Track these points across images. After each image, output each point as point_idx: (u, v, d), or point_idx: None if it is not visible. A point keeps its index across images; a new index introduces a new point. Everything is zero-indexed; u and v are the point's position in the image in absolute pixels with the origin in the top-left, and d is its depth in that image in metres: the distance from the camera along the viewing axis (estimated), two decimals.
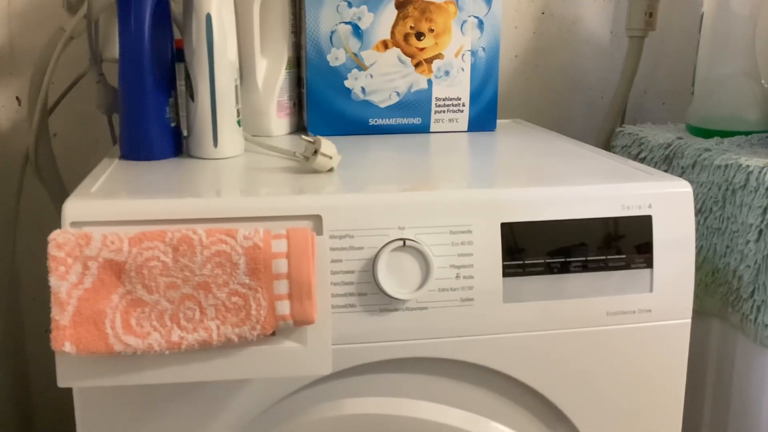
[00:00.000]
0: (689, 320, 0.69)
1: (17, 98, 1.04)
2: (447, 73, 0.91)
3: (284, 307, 0.57)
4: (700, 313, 0.86)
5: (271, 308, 0.57)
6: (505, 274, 0.65)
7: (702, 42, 0.95)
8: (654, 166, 0.93)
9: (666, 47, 1.23)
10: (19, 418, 1.08)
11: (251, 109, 0.89)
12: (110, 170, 0.72)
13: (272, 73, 0.89)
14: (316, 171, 0.71)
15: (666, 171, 0.90)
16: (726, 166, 0.81)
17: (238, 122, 0.78)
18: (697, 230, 0.86)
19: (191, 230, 0.57)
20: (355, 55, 0.89)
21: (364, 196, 0.63)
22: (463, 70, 0.92)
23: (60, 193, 0.98)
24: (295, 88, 0.93)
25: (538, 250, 0.65)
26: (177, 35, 0.80)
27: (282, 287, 0.57)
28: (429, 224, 0.63)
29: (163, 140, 0.76)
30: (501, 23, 0.92)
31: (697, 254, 0.86)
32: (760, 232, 0.76)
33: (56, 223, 0.63)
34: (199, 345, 0.57)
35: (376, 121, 0.91)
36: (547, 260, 0.65)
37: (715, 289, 0.83)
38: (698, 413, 0.89)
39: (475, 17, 0.91)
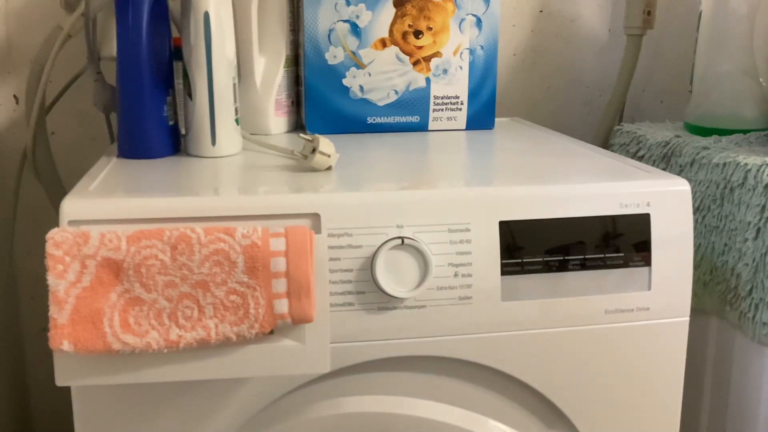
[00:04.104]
0: (687, 318, 0.69)
1: (15, 96, 1.04)
2: (445, 71, 0.91)
3: (283, 306, 0.57)
4: (698, 311, 0.86)
5: (270, 307, 0.57)
6: (503, 273, 0.65)
7: (700, 40, 0.95)
8: (652, 165, 0.93)
9: (664, 45, 1.23)
10: (18, 417, 1.08)
11: (249, 107, 0.89)
12: (108, 169, 0.72)
13: (270, 72, 0.89)
14: (314, 169, 0.71)
15: (664, 169, 0.90)
16: (724, 164, 0.81)
17: (236, 120, 0.78)
18: (695, 228, 0.86)
19: (189, 229, 0.57)
20: (354, 53, 0.89)
21: (362, 195, 0.63)
22: (461, 68, 0.92)
23: (58, 191, 0.98)
24: (293, 87, 0.92)
25: (537, 248, 0.65)
26: (175, 33, 0.80)
27: (280, 286, 0.57)
28: (427, 222, 0.63)
29: (161, 138, 0.76)
30: (499, 21, 0.92)
31: (696, 252, 0.86)
32: (758, 230, 0.76)
33: (54, 222, 0.63)
34: (197, 343, 0.57)
35: (374, 120, 0.91)
36: (545, 258, 0.65)
37: (714, 288, 0.83)
38: (696, 411, 0.89)
39: (474, 15, 0.91)
